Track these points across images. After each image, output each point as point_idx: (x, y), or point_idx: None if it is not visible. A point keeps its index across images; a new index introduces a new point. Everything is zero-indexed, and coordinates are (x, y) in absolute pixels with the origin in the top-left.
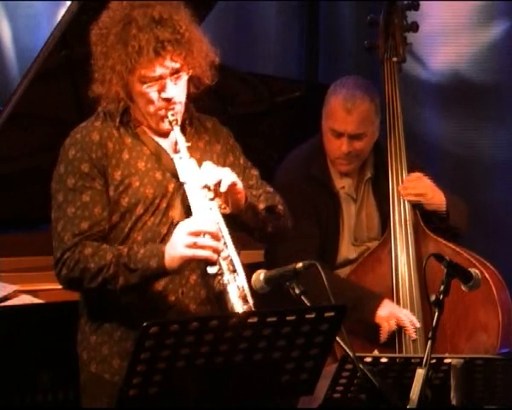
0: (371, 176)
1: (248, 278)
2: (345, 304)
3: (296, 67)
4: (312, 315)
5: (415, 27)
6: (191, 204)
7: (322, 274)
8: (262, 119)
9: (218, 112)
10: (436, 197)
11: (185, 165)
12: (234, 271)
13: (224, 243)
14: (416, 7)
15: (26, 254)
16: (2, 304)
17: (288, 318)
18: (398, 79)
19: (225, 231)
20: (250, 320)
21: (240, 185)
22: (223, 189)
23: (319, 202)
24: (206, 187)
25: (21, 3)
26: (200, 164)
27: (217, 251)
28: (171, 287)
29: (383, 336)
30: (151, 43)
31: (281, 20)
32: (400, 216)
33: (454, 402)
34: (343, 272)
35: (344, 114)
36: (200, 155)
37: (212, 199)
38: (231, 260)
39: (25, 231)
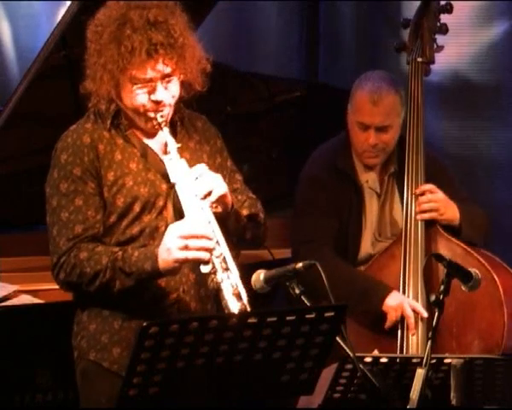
0: (395, 171)
1: (249, 277)
2: (347, 301)
3: (296, 67)
4: (312, 315)
5: (444, 29)
6: (182, 204)
7: (322, 274)
8: (262, 118)
9: (218, 112)
10: (449, 212)
11: (175, 165)
12: (227, 269)
13: (217, 242)
14: (449, 10)
15: (26, 254)
16: (2, 304)
17: (288, 318)
18: (422, 79)
19: (217, 229)
20: (250, 320)
21: (228, 195)
22: (212, 199)
23: (343, 195)
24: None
25: (21, 3)
26: (190, 164)
27: (209, 251)
28: (172, 284)
29: (389, 324)
30: (144, 44)
31: (281, 20)
32: (413, 213)
33: (454, 402)
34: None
35: (370, 107)
36: (190, 155)
37: (203, 198)
38: (224, 258)
39: (25, 231)
